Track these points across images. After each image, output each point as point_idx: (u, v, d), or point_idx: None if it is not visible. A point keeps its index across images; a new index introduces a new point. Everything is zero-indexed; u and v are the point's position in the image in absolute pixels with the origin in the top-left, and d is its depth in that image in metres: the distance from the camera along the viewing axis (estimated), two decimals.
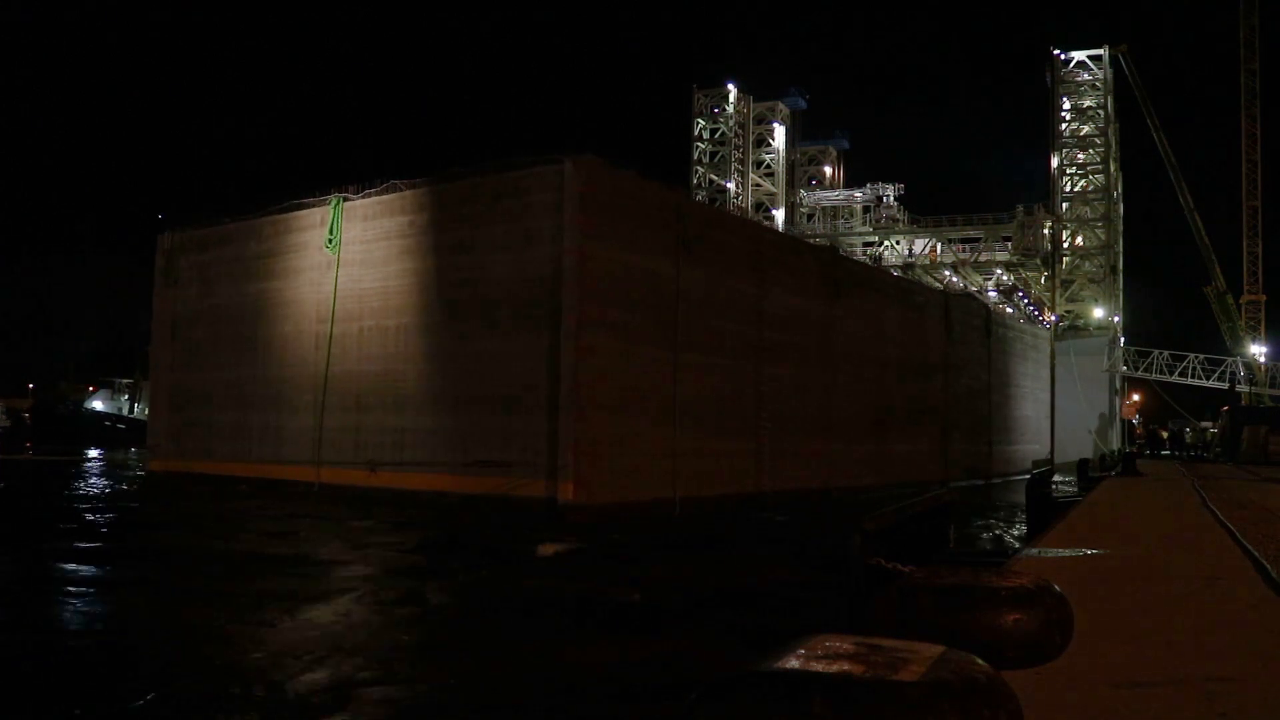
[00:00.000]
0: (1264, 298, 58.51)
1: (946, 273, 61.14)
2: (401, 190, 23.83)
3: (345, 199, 24.90)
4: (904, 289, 37.30)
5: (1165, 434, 51.34)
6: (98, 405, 65.34)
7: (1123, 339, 58.66)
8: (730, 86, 68.87)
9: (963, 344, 37.86)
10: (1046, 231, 58.89)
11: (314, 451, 24.54)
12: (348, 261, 24.61)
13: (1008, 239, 59.82)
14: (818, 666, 1.58)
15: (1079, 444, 47.60)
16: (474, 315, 21.86)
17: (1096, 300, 57.84)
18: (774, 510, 22.75)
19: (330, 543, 15.72)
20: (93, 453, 45.86)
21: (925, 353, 34.88)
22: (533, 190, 21.15)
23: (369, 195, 24.54)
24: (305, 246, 26.06)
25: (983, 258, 60.77)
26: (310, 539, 16.21)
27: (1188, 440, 52.32)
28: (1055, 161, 59.11)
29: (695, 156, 68.69)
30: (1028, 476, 21.13)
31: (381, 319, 23.85)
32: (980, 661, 1.67)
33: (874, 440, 30.49)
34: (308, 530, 17.35)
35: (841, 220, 66.84)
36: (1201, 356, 53.13)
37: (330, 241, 24.88)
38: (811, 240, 61.09)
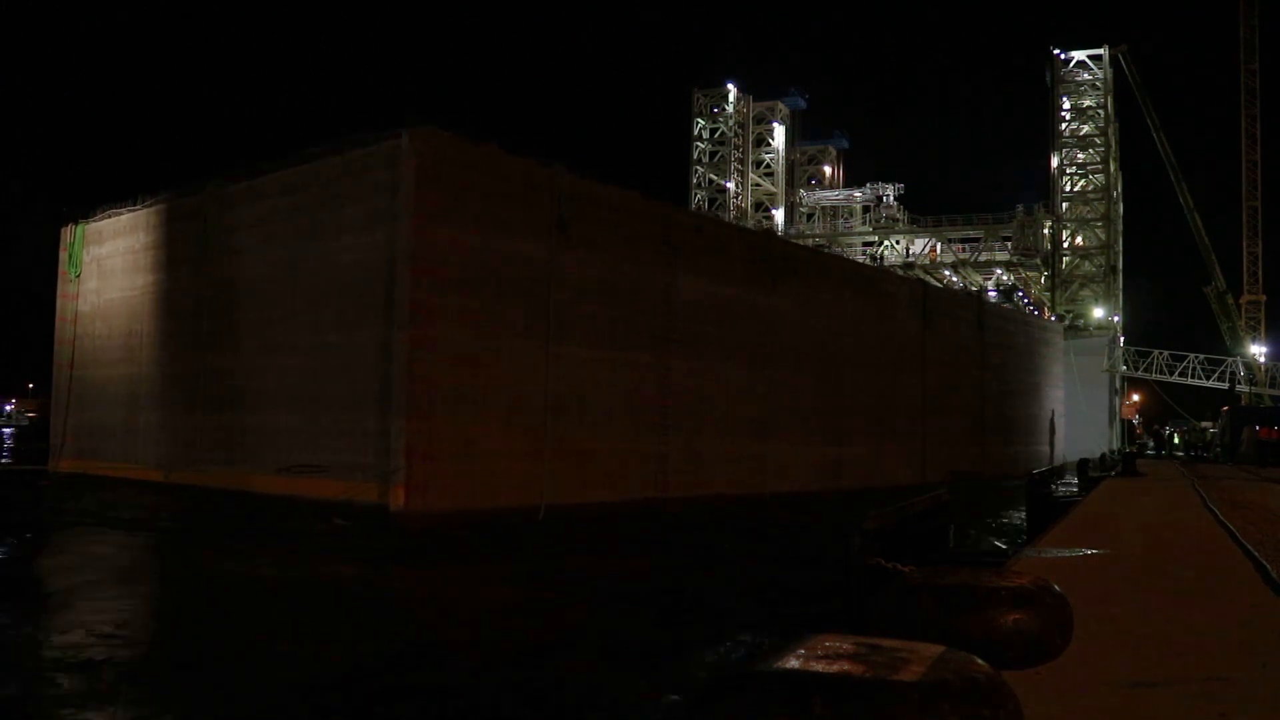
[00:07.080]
0: (1264, 298, 58.53)
1: (946, 272, 61.14)
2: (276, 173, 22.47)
3: (221, 184, 23.79)
4: (866, 277, 34.44)
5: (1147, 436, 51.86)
6: None
7: (1122, 339, 58.64)
8: (730, 86, 68.82)
9: (946, 337, 35.47)
10: (1046, 231, 58.89)
11: (182, 453, 23.63)
12: (225, 250, 23.41)
13: (1008, 239, 59.76)
14: (818, 666, 1.58)
15: (1080, 444, 47.53)
16: (324, 306, 20.44)
17: (1096, 300, 57.82)
18: (676, 518, 20.75)
19: None
20: None
21: (896, 346, 32.41)
22: (378, 168, 19.60)
23: (240, 180, 23.24)
24: (184, 236, 24.99)
25: (983, 258, 60.70)
26: None
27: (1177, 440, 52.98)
28: (1055, 161, 59.09)
29: (695, 156, 68.65)
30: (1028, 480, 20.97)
31: (247, 313, 22.56)
32: (980, 661, 1.67)
33: (827, 441, 28.27)
34: None
35: (841, 220, 66.79)
36: (1201, 356, 53.07)
37: (205, 229, 23.96)
38: (810, 240, 61.22)
